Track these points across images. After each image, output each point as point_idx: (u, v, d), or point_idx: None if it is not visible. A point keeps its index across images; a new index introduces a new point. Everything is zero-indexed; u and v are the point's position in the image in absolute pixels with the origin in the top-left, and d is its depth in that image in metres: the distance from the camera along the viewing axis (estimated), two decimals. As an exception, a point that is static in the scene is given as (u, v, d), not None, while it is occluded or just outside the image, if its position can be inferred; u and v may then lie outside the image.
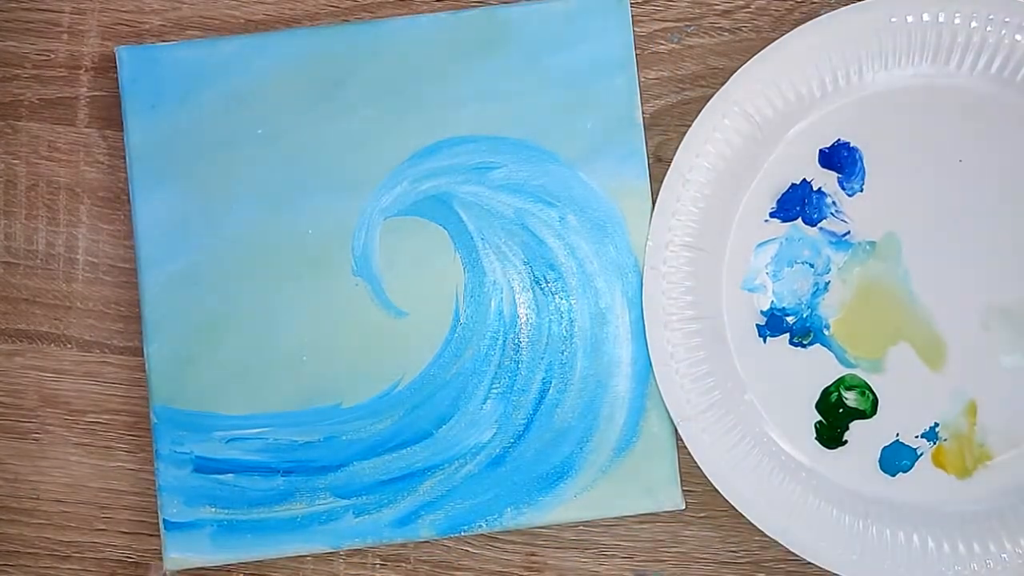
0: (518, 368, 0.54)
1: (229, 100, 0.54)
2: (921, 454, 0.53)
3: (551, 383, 0.54)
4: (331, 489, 0.54)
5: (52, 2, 0.57)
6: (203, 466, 0.54)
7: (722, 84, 0.53)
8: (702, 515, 0.55)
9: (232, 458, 0.54)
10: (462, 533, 0.54)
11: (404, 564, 0.56)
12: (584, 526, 0.56)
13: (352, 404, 0.54)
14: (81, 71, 0.57)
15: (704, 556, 0.55)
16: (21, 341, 0.57)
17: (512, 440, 0.54)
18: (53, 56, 0.57)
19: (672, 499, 0.54)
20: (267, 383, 0.54)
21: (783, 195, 0.54)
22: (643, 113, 0.54)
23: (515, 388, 0.54)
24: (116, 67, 0.55)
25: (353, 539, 0.54)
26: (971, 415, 0.53)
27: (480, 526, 0.54)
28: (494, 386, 0.54)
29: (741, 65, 0.52)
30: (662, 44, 0.56)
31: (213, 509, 0.54)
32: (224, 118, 0.54)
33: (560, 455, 0.54)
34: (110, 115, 0.57)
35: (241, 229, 0.54)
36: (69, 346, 0.57)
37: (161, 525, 0.54)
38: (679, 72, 0.56)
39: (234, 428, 0.54)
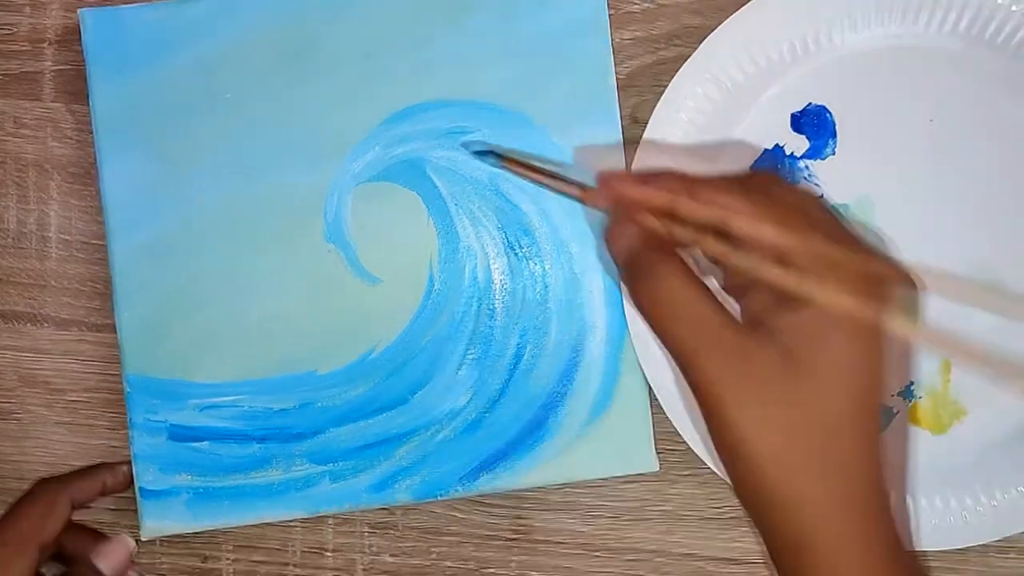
0: (493, 333, 0.54)
1: (197, 64, 0.54)
2: (897, 412, 0.53)
3: (526, 348, 0.54)
4: (307, 455, 0.54)
5: (13, -26, 0.56)
6: (178, 434, 0.54)
7: (697, 43, 0.52)
8: (686, 473, 0.55)
9: (207, 426, 0.54)
10: (438, 497, 0.54)
11: (392, 531, 0.56)
12: (570, 488, 0.55)
13: (327, 371, 0.54)
14: (45, 44, 0.56)
15: (689, 513, 0.55)
16: (-4, 321, 0.57)
17: (487, 405, 0.54)
18: (15, 30, 0.56)
19: (646, 462, 0.54)
20: (241, 350, 0.54)
21: (756, 161, 0.54)
22: (618, 75, 0.54)
23: (490, 354, 0.54)
24: (80, 37, 0.54)
25: (330, 505, 0.54)
26: (946, 373, 0.53)
27: (456, 490, 0.54)
28: (469, 352, 0.54)
29: (716, 24, 0.52)
30: (635, 4, 0.55)
31: (189, 476, 0.54)
32: (192, 83, 0.54)
33: (535, 420, 0.54)
34: (76, 88, 0.56)
35: (211, 195, 0.54)
36: (46, 325, 0.57)
37: (136, 493, 0.54)
38: (653, 32, 0.55)
39: (208, 396, 0.54)
